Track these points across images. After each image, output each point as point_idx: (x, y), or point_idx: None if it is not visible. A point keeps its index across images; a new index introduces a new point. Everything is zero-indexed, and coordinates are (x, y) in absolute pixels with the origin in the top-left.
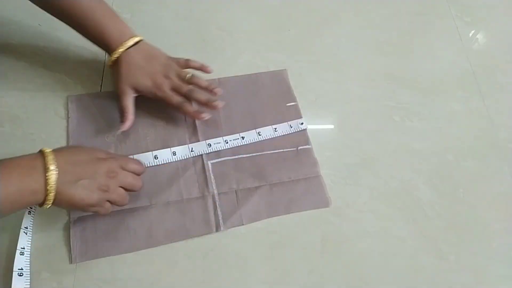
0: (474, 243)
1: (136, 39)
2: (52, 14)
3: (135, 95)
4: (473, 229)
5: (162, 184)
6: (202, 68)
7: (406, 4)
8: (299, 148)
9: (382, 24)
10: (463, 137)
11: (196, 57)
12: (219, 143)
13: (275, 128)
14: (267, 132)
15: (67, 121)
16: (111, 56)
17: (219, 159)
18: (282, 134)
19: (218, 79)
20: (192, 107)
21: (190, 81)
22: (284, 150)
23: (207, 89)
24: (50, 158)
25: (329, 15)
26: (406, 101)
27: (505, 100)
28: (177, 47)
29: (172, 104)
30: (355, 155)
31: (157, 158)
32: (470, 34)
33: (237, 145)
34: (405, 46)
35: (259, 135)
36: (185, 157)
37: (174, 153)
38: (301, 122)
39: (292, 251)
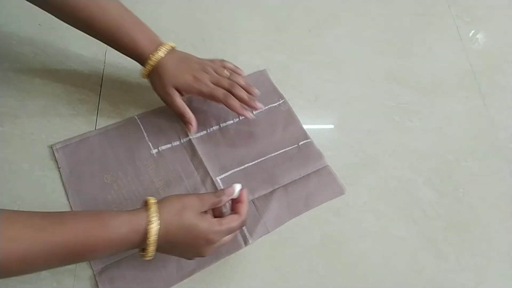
0: (474, 243)
1: (168, 47)
2: (77, 28)
3: (181, 96)
4: (473, 229)
5: None
6: (236, 70)
7: (406, 4)
8: (300, 144)
9: (382, 24)
10: (463, 137)
11: None
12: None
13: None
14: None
15: (59, 171)
16: (145, 66)
17: (227, 173)
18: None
19: None
20: (237, 102)
21: (229, 78)
22: (286, 149)
23: (245, 88)
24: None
25: (329, 15)
26: (406, 101)
27: (505, 100)
28: (177, 47)
29: (217, 98)
30: (355, 155)
31: None
32: (470, 34)
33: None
34: (405, 46)
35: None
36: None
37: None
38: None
39: (292, 251)
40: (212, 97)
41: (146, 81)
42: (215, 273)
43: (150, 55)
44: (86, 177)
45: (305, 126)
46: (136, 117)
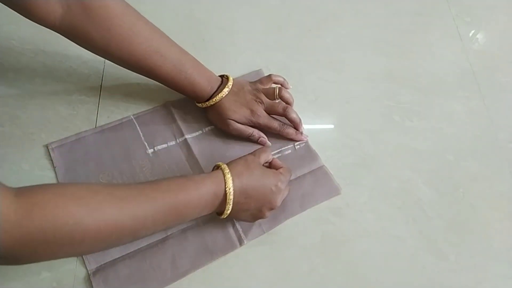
0: (474, 243)
1: (229, 84)
2: (139, 73)
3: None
4: (473, 229)
5: None
6: (283, 84)
7: (406, 4)
8: (295, 144)
9: (382, 24)
10: (463, 137)
11: (196, 57)
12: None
13: None
14: None
15: (54, 171)
16: (202, 103)
17: None
18: None
19: None
20: (293, 129)
21: (279, 95)
22: (282, 149)
23: (292, 105)
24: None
25: (329, 15)
26: (406, 101)
27: (505, 100)
28: None
29: (274, 129)
30: (355, 155)
31: None
32: (470, 34)
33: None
34: (405, 46)
35: None
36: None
37: None
38: None
39: (292, 251)
40: (269, 129)
41: (146, 81)
42: (215, 273)
43: (206, 95)
44: (82, 176)
45: (304, 126)
46: (132, 117)
